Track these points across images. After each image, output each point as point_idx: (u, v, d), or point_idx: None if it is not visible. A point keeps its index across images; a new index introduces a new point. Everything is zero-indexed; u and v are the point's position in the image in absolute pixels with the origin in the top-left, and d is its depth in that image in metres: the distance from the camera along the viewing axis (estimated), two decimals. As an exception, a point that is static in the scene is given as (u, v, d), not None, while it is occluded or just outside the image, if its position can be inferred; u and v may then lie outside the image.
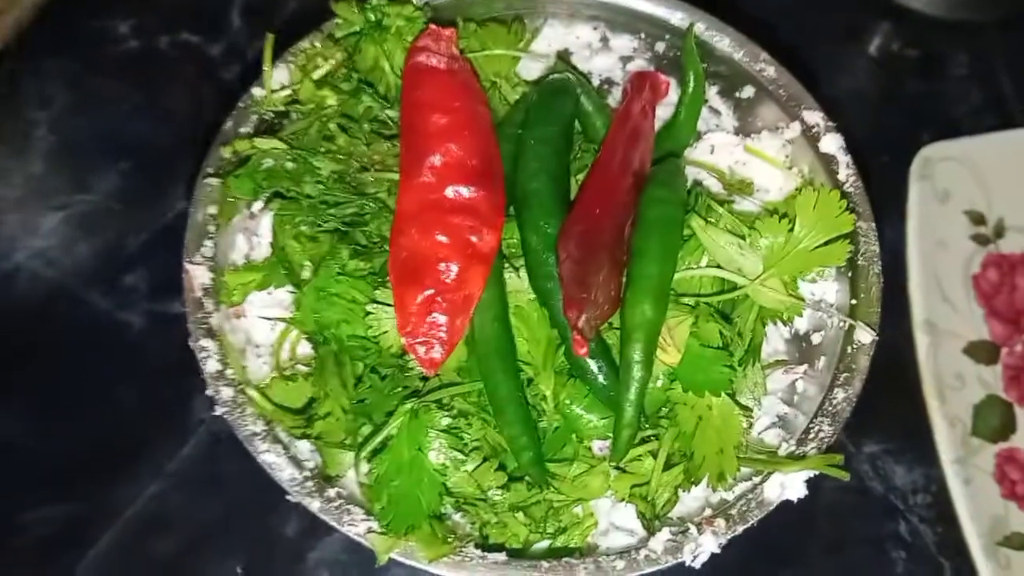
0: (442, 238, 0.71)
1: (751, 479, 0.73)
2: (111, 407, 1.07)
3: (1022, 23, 1.34)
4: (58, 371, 1.09)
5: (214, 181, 0.76)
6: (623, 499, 0.74)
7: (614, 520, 0.77)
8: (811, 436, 0.73)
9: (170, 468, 1.04)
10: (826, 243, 0.73)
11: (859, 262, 0.78)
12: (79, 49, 1.25)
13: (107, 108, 1.22)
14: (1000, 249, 1.18)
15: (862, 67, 1.35)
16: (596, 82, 0.94)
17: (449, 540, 0.69)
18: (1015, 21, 1.34)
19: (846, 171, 0.80)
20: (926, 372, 1.08)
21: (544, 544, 0.73)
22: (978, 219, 1.18)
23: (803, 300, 0.74)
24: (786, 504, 0.72)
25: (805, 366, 0.80)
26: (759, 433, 0.79)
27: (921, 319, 1.10)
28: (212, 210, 0.77)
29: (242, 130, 0.80)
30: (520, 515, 0.73)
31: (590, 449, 0.76)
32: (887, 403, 1.11)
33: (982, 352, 1.13)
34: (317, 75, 0.79)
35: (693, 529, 0.70)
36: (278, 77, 0.81)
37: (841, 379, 0.74)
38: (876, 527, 1.08)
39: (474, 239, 0.72)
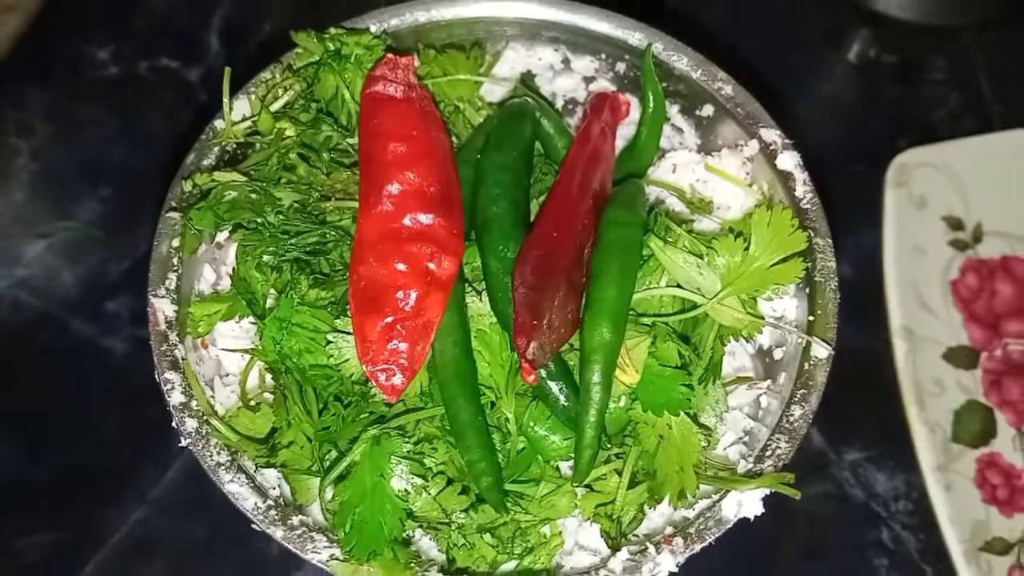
0: (401, 266, 0.72)
1: (711, 496, 0.73)
2: (95, 433, 1.08)
3: (998, 27, 1.35)
4: (42, 397, 1.10)
5: (176, 215, 0.77)
6: (589, 518, 0.75)
7: (580, 540, 0.77)
8: (768, 453, 0.73)
9: (155, 493, 1.06)
10: (781, 261, 0.73)
11: (816, 278, 0.78)
12: (58, 76, 1.26)
13: (87, 135, 1.24)
14: (979, 254, 1.18)
15: (840, 73, 1.36)
16: (560, 103, 0.95)
17: (411, 566, 0.69)
18: (992, 25, 1.35)
19: (803, 188, 0.80)
20: (905, 379, 1.09)
21: (510, 566, 0.73)
22: (956, 224, 1.18)
23: (762, 317, 0.75)
24: (767, 512, 0.73)
25: (769, 381, 0.81)
26: (725, 448, 0.79)
27: (899, 325, 1.11)
28: (176, 243, 0.78)
29: (205, 162, 0.81)
30: (487, 536, 0.73)
31: (557, 469, 0.77)
32: (867, 410, 1.12)
33: (961, 357, 1.13)
34: (275, 106, 0.80)
35: (652, 548, 0.70)
36: (241, 108, 0.82)
37: (798, 396, 0.75)
38: (858, 534, 1.08)
39: (432, 266, 0.73)
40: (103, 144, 1.23)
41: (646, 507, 0.74)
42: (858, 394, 1.08)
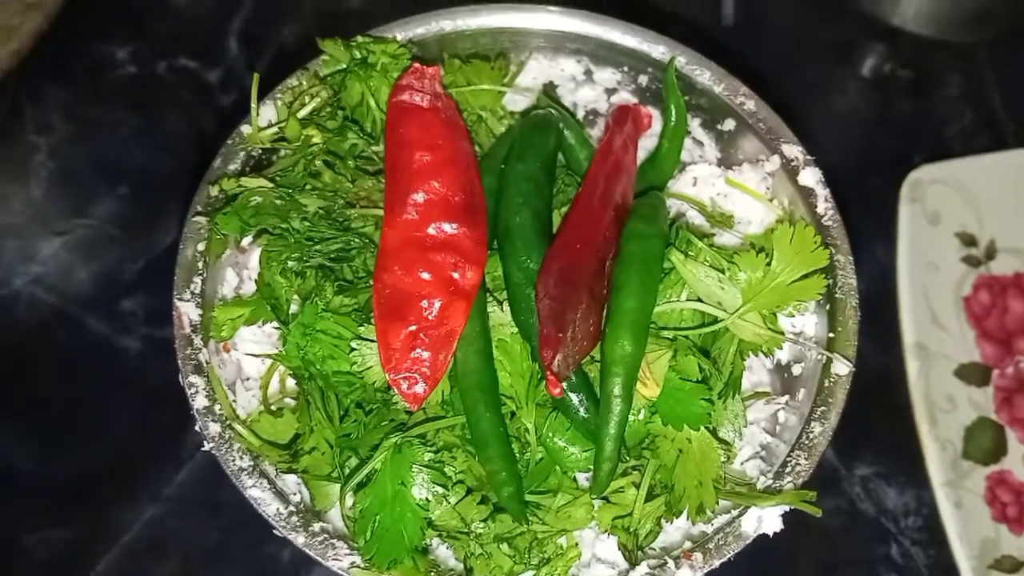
0: (425, 275, 0.73)
1: (730, 511, 0.74)
2: (109, 432, 1.09)
3: (1013, 43, 1.35)
4: (57, 396, 1.11)
5: (202, 219, 0.77)
6: (606, 530, 0.75)
7: (597, 552, 0.77)
8: (788, 470, 0.74)
9: (167, 493, 1.06)
10: (803, 277, 0.74)
11: (837, 295, 0.78)
12: (78, 76, 1.27)
13: (106, 134, 1.24)
14: (991, 271, 1.18)
15: (854, 88, 1.36)
16: (581, 114, 0.96)
17: (431, 575, 0.70)
18: (1006, 41, 1.35)
19: (824, 204, 0.81)
20: (917, 395, 1.09)
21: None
22: (969, 241, 1.19)
23: (782, 333, 0.75)
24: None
25: (787, 397, 0.81)
26: (742, 463, 0.80)
27: (912, 342, 1.11)
28: (201, 247, 0.78)
29: (231, 167, 0.81)
30: (504, 546, 0.74)
31: (574, 480, 0.77)
32: (879, 426, 1.12)
33: (973, 374, 1.14)
34: (302, 113, 0.80)
35: (671, 563, 0.71)
36: (266, 114, 0.82)
37: (818, 413, 0.75)
38: (868, 549, 1.09)
39: (456, 275, 0.73)
40: (121, 143, 1.23)
41: (663, 521, 0.75)
42: (870, 409, 1.08)
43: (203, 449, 0.74)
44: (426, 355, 0.71)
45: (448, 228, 0.74)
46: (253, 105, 0.79)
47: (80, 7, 1.29)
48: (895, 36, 1.36)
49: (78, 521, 1.04)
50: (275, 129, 0.81)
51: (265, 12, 1.32)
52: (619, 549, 0.74)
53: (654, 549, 0.76)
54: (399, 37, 0.86)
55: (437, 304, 0.72)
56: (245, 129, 0.82)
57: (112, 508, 1.05)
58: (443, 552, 0.76)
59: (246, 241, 0.81)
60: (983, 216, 1.19)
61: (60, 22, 1.27)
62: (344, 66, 0.82)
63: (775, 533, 0.73)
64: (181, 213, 1.16)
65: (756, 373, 0.85)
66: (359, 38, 0.82)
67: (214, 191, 0.78)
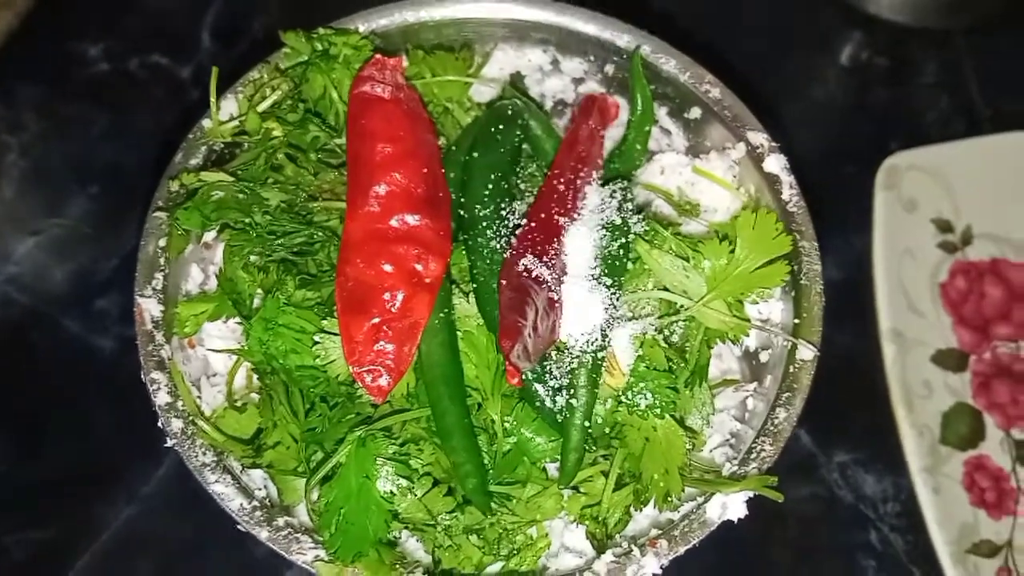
0: (387, 267, 0.72)
1: (697, 499, 0.74)
2: (85, 431, 1.08)
3: (990, 30, 1.35)
4: (33, 395, 1.10)
5: (163, 215, 0.77)
6: (576, 519, 0.75)
7: (566, 542, 0.77)
8: (753, 456, 0.74)
9: (145, 491, 1.06)
10: (766, 264, 0.73)
11: (802, 281, 0.78)
12: (49, 73, 1.26)
13: (78, 132, 1.23)
14: (968, 257, 1.18)
15: (832, 75, 1.36)
16: (549, 104, 0.95)
17: (396, 567, 0.69)
18: (983, 29, 1.35)
19: (789, 191, 0.81)
20: (893, 381, 1.09)
21: (496, 568, 0.74)
22: (945, 227, 1.19)
23: (748, 320, 0.75)
24: (756, 514, 0.73)
25: (755, 384, 0.81)
26: (711, 451, 0.80)
27: (888, 328, 1.11)
28: (162, 243, 0.78)
29: (192, 162, 0.81)
30: (474, 537, 0.74)
31: (543, 471, 0.77)
32: (856, 412, 1.12)
33: (950, 360, 1.14)
34: (263, 106, 0.80)
35: (636, 551, 0.70)
36: (228, 108, 0.82)
37: (783, 399, 0.75)
38: (846, 536, 1.09)
39: (419, 267, 0.73)
40: (93, 142, 1.23)
41: (632, 509, 0.75)
42: (847, 396, 1.08)
43: (166, 445, 0.73)
44: (390, 348, 0.71)
45: (411, 220, 0.74)
46: (212, 99, 0.78)
47: (52, 5, 1.28)
48: (872, 24, 1.35)
49: (56, 521, 1.04)
50: (236, 123, 0.80)
51: (237, 7, 1.31)
52: (587, 538, 0.74)
53: (623, 538, 0.75)
54: (362, 28, 0.86)
55: (400, 296, 0.72)
56: (206, 123, 0.82)
57: (90, 507, 1.05)
58: (412, 544, 0.76)
59: (210, 237, 0.81)
60: (959, 202, 1.19)
61: (32, 20, 1.27)
62: (306, 58, 0.81)
63: (752, 520, 0.72)
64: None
65: (726, 360, 0.85)
66: (320, 30, 0.82)
67: (174, 186, 0.77)
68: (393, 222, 0.74)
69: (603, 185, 0.81)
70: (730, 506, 0.70)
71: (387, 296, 0.71)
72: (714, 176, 0.84)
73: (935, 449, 1.08)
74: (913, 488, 1.05)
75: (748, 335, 0.76)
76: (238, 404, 0.76)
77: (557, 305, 0.72)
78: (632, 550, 0.70)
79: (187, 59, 1.28)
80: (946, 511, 1.04)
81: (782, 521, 1.08)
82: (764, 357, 0.82)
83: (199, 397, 0.77)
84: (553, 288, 0.72)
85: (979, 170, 1.19)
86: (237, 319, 0.79)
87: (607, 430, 0.75)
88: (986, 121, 1.29)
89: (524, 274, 0.71)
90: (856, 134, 1.30)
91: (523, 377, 0.70)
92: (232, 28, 1.30)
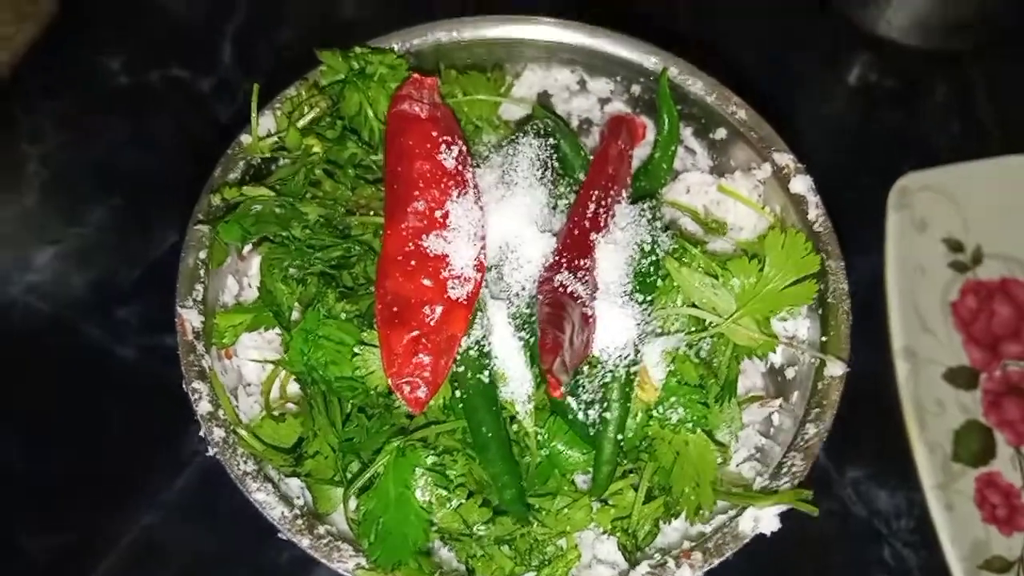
0: (426, 281, 0.74)
1: (727, 512, 0.75)
2: (106, 439, 1.09)
3: (998, 51, 1.37)
4: (54, 404, 1.11)
5: (204, 227, 0.78)
6: (606, 531, 0.76)
7: (597, 553, 0.78)
8: (784, 470, 0.75)
9: (165, 498, 1.06)
10: (795, 283, 0.75)
11: (829, 300, 0.80)
12: (71, 85, 1.27)
13: (98, 143, 1.24)
14: (978, 276, 1.20)
15: (841, 97, 1.38)
16: (575, 123, 0.97)
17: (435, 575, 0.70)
18: (991, 49, 1.37)
19: (815, 211, 0.82)
20: (906, 398, 1.10)
21: (528, 577, 0.75)
22: (956, 247, 1.21)
23: (776, 337, 0.76)
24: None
25: (780, 399, 0.82)
26: (737, 465, 0.81)
27: (900, 346, 1.12)
28: (202, 255, 0.79)
29: (231, 176, 0.82)
30: (506, 548, 0.75)
31: (573, 483, 0.78)
32: (869, 429, 1.14)
33: (961, 378, 1.15)
34: (302, 123, 0.81)
35: (671, 563, 0.72)
36: (265, 124, 0.83)
37: (812, 414, 0.76)
38: (860, 552, 1.10)
39: (456, 282, 0.74)
40: (114, 152, 1.24)
41: (661, 522, 0.76)
42: (860, 413, 1.08)
43: (208, 454, 0.74)
44: (428, 360, 0.72)
45: (449, 236, 0.75)
46: (253, 116, 0.79)
47: (73, 17, 1.29)
48: (880, 45, 1.37)
49: (76, 527, 1.05)
50: (274, 139, 0.82)
51: (258, 21, 1.33)
52: (619, 549, 0.75)
53: (652, 549, 0.77)
54: (396, 48, 0.87)
55: (438, 310, 0.73)
56: (244, 139, 0.83)
57: (109, 514, 1.05)
58: (444, 554, 0.77)
59: (246, 249, 0.82)
60: (969, 222, 1.21)
61: (53, 32, 1.28)
62: (342, 76, 0.83)
63: (765, 535, 0.74)
64: (175, 222, 1.18)
65: (750, 377, 0.86)
66: (357, 49, 0.84)
67: (215, 200, 0.79)
68: (432, 238, 0.75)
69: (632, 203, 0.82)
70: (763, 519, 0.72)
71: (426, 310, 0.73)
72: (740, 195, 0.86)
73: (947, 466, 1.09)
74: (926, 504, 1.06)
75: (775, 351, 0.77)
76: (275, 414, 0.77)
77: (591, 320, 0.74)
78: (667, 562, 0.72)
79: (207, 72, 1.29)
80: (959, 527, 1.05)
81: (796, 536, 1.08)
82: (790, 373, 0.83)
83: (236, 407, 0.78)
84: (587, 304, 0.73)
85: (989, 191, 1.21)
86: (273, 330, 0.80)
87: (637, 443, 0.76)
88: (996, 142, 1.31)
89: (560, 289, 0.72)
90: (866, 155, 1.32)
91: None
92: (253, 42, 1.31)
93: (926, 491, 1.07)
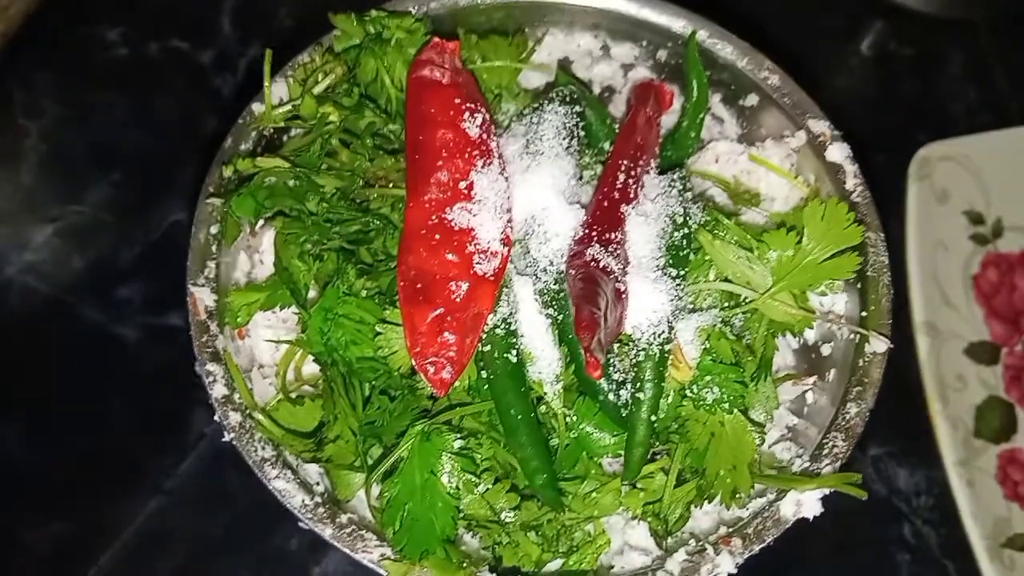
0: (451, 256, 0.70)
1: (764, 495, 0.72)
2: (108, 423, 1.06)
3: (1016, 20, 1.34)
4: (54, 386, 1.07)
5: (216, 201, 0.75)
6: (635, 516, 0.73)
7: (628, 539, 0.76)
8: (825, 452, 0.72)
9: (170, 484, 1.03)
10: (835, 255, 0.72)
11: (869, 273, 0.77)
12: (68, 57, 1.23)
13: (97, 117, 1.20)
14: (999, 249, 1.18)
15: (857, 65, 1.35)
16: (597, 90, 0.93)
17: (464, 565, 0.68)
18: (1008, 18, 1.34)
19: (853, 180, 0.79)
20: (928, 374, 1.08)
21: (555, 565, 0.72)
22: (977, 219, 1.18)
23: (813, 313, 0.74)
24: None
25: (815, 377, 0.80)
26: (770, 446, 0.79)
27: (921, 321, 1.10)
28: (214, 230, 0.75)
29: (242, 147, 0.78)
30: (532, 534, 0.72)
31: (600, 466, 0.76)
32: (889, 406, 1.10)
33: (983, 353, 1.13)
34: (318, 90, 0.77)
35: (710, 549, 0.69)
36: (276, 92, 0.80)
37: (854, 393, 0.74)
38: (880, 529, 1.08)
39: (483, 256, 0.71)
40: (113, 127, 1.19)
41: (692, 506, 0.73)
42: (880, 389, 1.08)
43: (224, 439, 0.71)
44: (453, 339, 0.69)
45: (474, 208, 0.72)
46: (267, 83, 0.76)
47: (69, -12, 1.25)
48: (896, 13, 1.34)
49: (79, 515, 1.02)
50: (288, 107, 0.78)
51: (258, -10, 1.28)
52: (650, 535, 0.73)
53: (683, 535, 0.74)
54: (413, 11, 0.83)
55: (464, 286, 0.70)
56: (256, 107, 0.79)
57: (114, 501, 1.02)
58: (468, 540, 0.74)
59: (258, 224, 0.79)
60: (990, 194, 1.19)
61: (49, 3, 1.23)
62: (358, 41, 0.79)
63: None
64: (177, 198, 1.15)
65: (781, 354, 0.83)
66: (373, 12, 0.80)
67: (228, 172, 0.75)
68: (456, 210, 0.71)
69: (661, 174, 0.79)
70: (805, 503, 0.69)
71: (452, 286, 0.69)
72: (772, 165, 0.82)
73: (969, 442, 1.07)
74: (946, 481, 1.04)
75: (812, 327, 0.74)
76: (292, 397, 0.74)
77: (624, 296, 0.71)
78: (706, 548, 0.69)
79: (207, 44, 1.24)
80: (980, 505, 1.04)
81: (816, 515, 1.08)
82: (826, 351, 0.80)
83: (251, 390, 0.75)
84: (620, 279, 0.70)
85: (1009, 162, 1.19)
86: (289, 309, 0.76)
87: (668, 424, 0.74)
88: (1014, 112, 1.29)
89: (592, 264, 0.69)
90: (883, 125, 1.29)
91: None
92: (252, 12, 1.27)
93: (947, 468, 1.05)
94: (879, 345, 0.74)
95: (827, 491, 0.69)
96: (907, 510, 1.09)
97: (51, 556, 1.00)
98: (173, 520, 1.02)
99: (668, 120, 0.89)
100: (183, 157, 1.16)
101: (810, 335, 0.82)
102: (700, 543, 0.70)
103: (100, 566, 1.00)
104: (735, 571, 0.69)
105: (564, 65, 0.92)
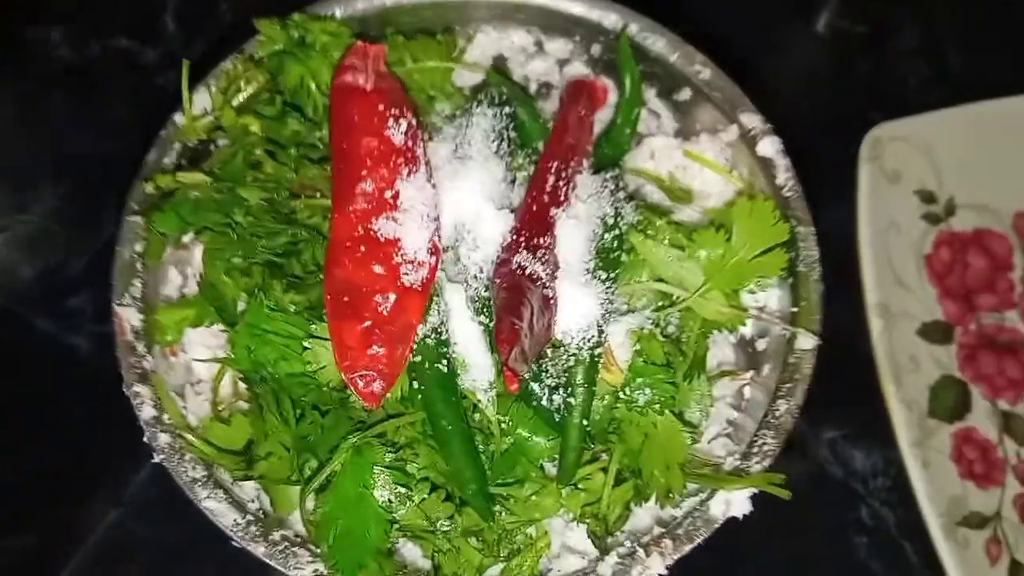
0: (378, 268, 0.70)
1: (699, 494, 0.72)
2: (63, 433, 1.05)
3: (970, -5, 1.33)
4: (6, 398, 1.07)
5: (138, 219, 0.74)
6: (575, 518, 0.74)
7: (567, 542, 0.76)
8: (755, 450, 0.73)
9: (128, 494, 1.03)
10: (764, 252, 0.72)
11: (799, 269, 0.77)
12: (8, 60, 1.21)
13: (42, 121, 1.19)
14: (951, 227, 1.18)
15: (810, 44, 1.34)
16: (533, 87, 0.92)
17: (398, 577, 0.68)
18: (963, -7, 1.33)
19: (784, 175, 0.79)
20: (881, 355, 1.08)
21: (495, 571, 0.72)
22: (929, 198, 1.18)
23: (745, 310, 0.74)
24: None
25: (752, 372, 0.80)
26: (709, 442, 0.79)
27: (874, 302, 1.10)
28: (139, 248, 0.75)
29: (165, 160, 0.77)
30: (473, 540, 0.72)
31: (541, 469, 0.76)
32: (844, 388, 1.11)
33: (936, 333, 1.13)
34: (238, 101, 0.76)
35: (641, 552, 0.69)
36: (201, 101, 0.78)
37: (784, 389, 0.74)
38: (837, 512, 1.09)
39: (410, 268, 0.70)
40: (59, 131, 1.18)
41: (632, 505, 0.73)
42: (834, 372, 1.07)
43: (153, 461, 0.71)
44: (382, 352, 0.68)
45: (400, 218, 0.71)
46: (185, 95, 0.74)
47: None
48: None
49: (37, 527, 1.01)
50: (211, 118, 0.77)
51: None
52: (588, 536, 0.73)
53: (624, 533, 0.74)
54: (338, 14, 0.82)
55: (392, 298, 0.69)
56: (178, 119, 0.78)
57: (72, 513, 1.02)
58: (409, 549, 0.74)
59: (187, 237, 0.78)
60: (942, 172, 1.18)
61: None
62: (280, 47, 0.78)
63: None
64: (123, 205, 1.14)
65: (721, 349, 0.83)
66: (296, 16, 0.78)
67: (149, 188, 0.74)
68: (382, 220, 0.71)
69: (594, 173, 0.79)
70: (734, 503, 0.70)
71: (379, 299, 0.69)
72: (706, 160, 0.82)
73: (924, 422, 1.08)
74: (902, 462, 1.05)
75: (745, 325, 0.74)
76: (224, 414, 0.74)
77: (552, 302, 0.70)
78: (636, 550, 0.69)
79: (152, 43, 1.23)
80: (936, 484, 1.04)
81: (772, 498, 1.08)
82: (761, 345, 0.80)
83: (184, 407, 0.74)
84: (548, 284, 0.70)
85: (961, 140, 1.18)
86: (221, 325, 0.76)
87: (605, 426, 0.74)
88: (965, 88, 1.28)
89: (518, 271, 0.69)
90: (836, 104, 1.29)
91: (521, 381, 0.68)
92: (196, 10, 1.25)
93: (903, 449, 1.05)
94: (807, 342, 0.74)
95: (755, 490, 0.69)
96: (864, 492, 1.09)
97: (12, 570, 1.00)
98: (134, 529, 1.02)
99: (605, 115, 0.88)
100: (131, 159, 1.14)
101: (747, 330, 0.82)
102: (632, 545, 0.70)
103: (62, 578, 1.00)
104: (665, 572, 0.69)
105: (499, 62, 0.91)
